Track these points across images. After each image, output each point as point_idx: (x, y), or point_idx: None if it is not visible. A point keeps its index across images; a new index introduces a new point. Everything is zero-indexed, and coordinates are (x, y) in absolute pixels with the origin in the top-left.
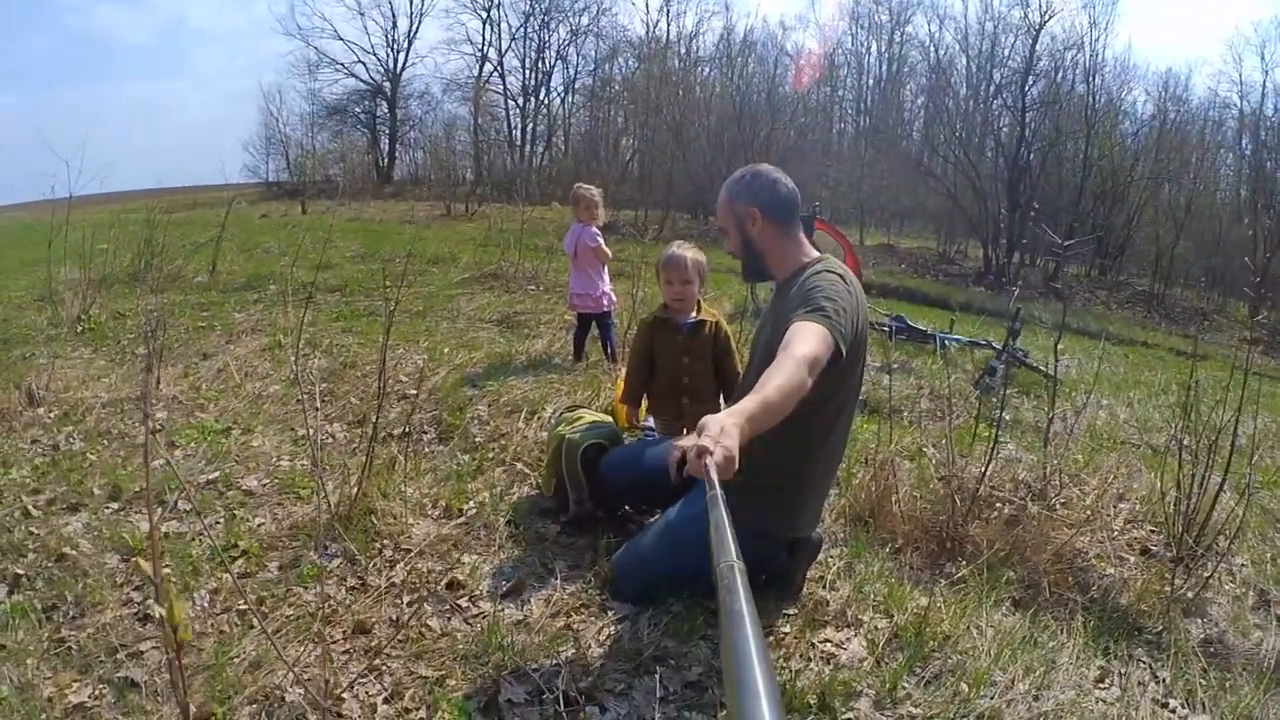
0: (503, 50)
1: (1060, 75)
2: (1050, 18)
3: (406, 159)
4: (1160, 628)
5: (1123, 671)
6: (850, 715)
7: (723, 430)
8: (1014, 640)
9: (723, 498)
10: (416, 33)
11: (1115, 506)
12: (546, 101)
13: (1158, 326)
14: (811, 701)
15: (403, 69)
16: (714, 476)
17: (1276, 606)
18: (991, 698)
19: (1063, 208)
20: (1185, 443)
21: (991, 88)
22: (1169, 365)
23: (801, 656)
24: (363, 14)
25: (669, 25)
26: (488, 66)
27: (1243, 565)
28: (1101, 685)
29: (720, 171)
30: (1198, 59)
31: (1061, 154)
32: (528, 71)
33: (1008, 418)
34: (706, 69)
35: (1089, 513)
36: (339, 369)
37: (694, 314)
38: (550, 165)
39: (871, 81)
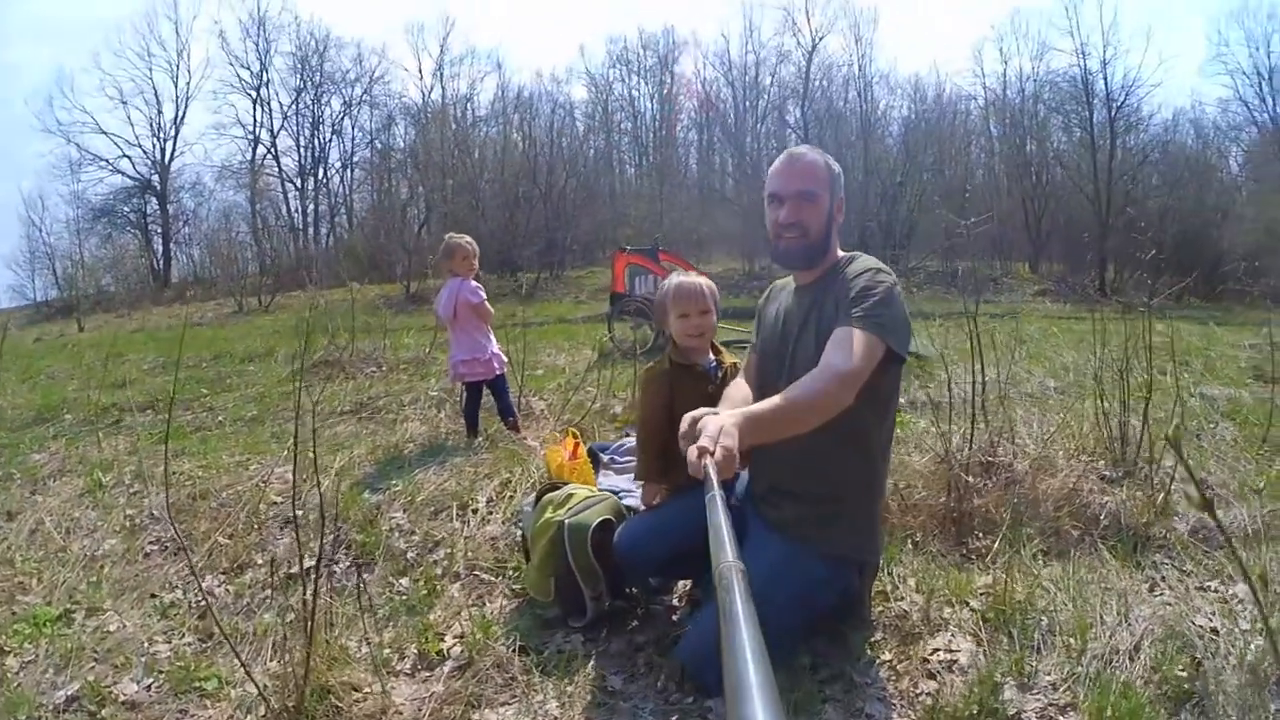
0: (275, 130)
1: (833, 92)
2: (821, 38)
3: (183, 258)
4: (1162, 531)
5: (1161, 576)
6: (1012, 710)
7: (722, 430)
8: (1072, 584)
9: (721, 498)
10: (183, 118)
11: (1066, 448)
12: (325, 180)
13: (958, 299)
14: (974, 712)
15: (171, 159)
16: (713, 477)
17: (1218, 488)
18: (1098, 638)
19: (855, 210)
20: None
21: (758, 113)
22: (998, 328)
23: (927, 676)
24: (125, 102)
25: (443, 89)
26: (261, 149)
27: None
28: (1155, 592)
29: (520, 226)
30: (946, 63)
31: (845, 164)
32: (303, 150)
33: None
34: (484, 128)
35: (1048, 460)
36: (187, 503)
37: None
38: (339, 245)
39: (648, 121)
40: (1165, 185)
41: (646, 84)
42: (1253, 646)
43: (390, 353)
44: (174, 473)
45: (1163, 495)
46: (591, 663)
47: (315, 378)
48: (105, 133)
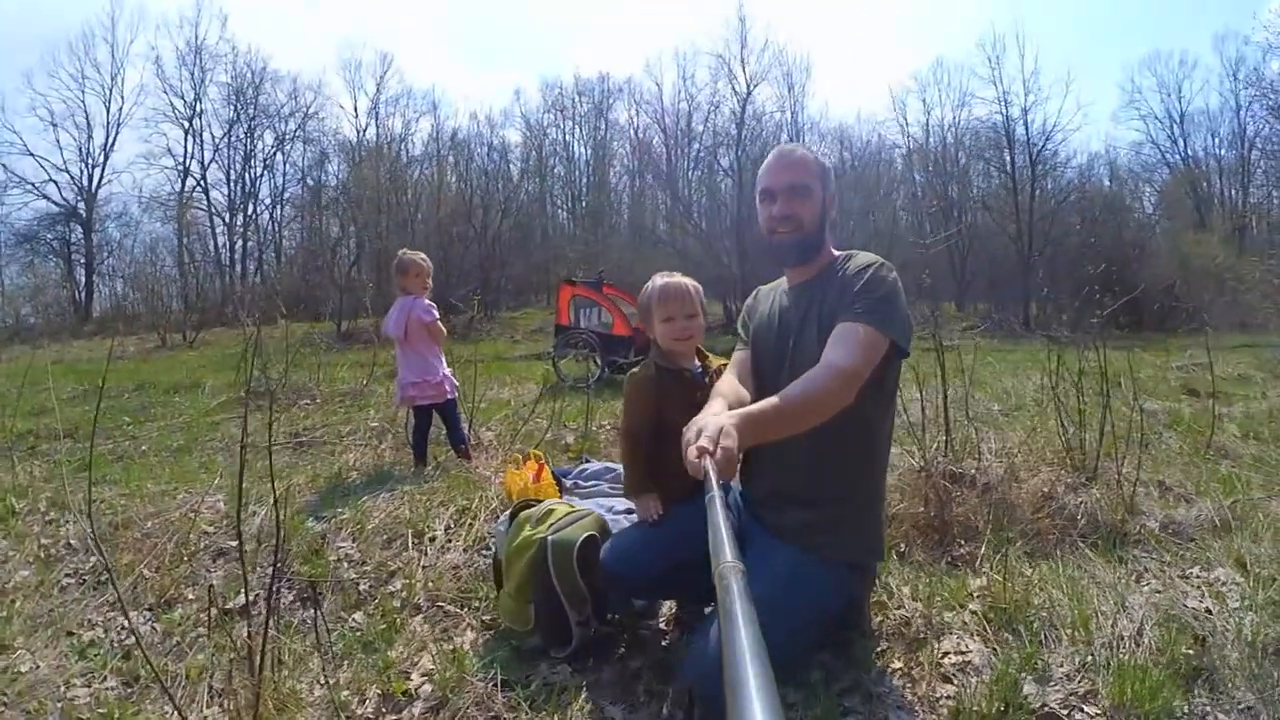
0: (206, 163)
1: (766, 138)
2: (755, 86)
3: (106, 290)
4: (1135, 528)
5: (1144, 568)
6: (1036, 704)
7: (723, 431)
8: (1064, 580)
9: (721, 498)
10: (114, 145)
11: (1028, 459)
12: (255, 216)
13: None
14: (999, 709)
15: (99, 187)
16: (713, 477)
17: (1177, 487)
18: (1101, 628)
19: None
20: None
21: (690, 158)
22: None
23: (943, 679)
24: (56, 125)
25: (378, 128)
26: (190, 181)
27: (1126, 470)
28: (1143, 582)
29: (455, 266)
30: (872, 113)
31: None
32: (233, 184)
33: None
34: (419, 168)
35: (1016, 468)
36: (108, 532)
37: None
38: (267, 282)
39: (581, 166)
40: (1084, 224)
41: (581, 129)
42: (1246, 621)
43: (325, 385)
44: (95, 500)
45: (1130, 495)
46: (585, 694)
47: (247, 409)
48: (33, 154)
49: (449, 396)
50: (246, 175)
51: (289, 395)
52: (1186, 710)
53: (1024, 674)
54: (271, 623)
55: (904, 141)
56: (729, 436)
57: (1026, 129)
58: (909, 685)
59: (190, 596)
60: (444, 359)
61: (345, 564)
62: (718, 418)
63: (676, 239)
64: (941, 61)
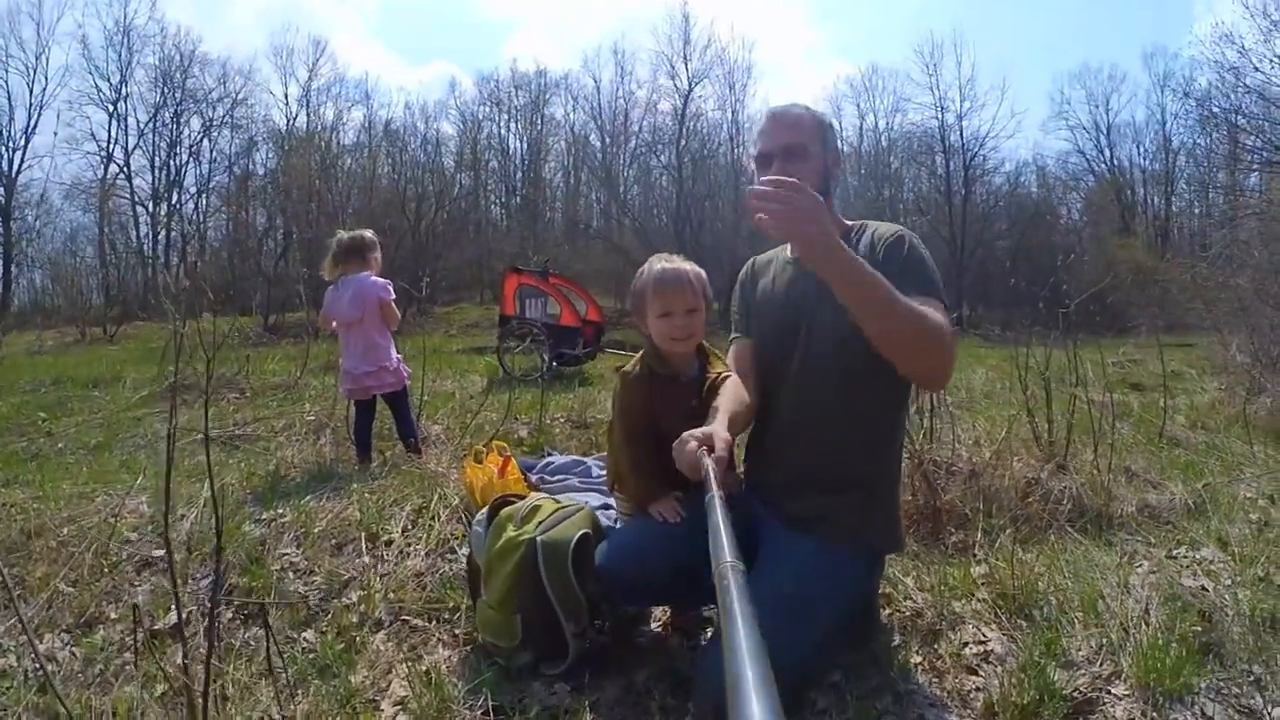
0: (130, 149)
1: (705, 134)
2: (696, 83)
3: (23, 282)
4: (1117, 512)
5: (1133, 549)
6: (1067, 690)
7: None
8: (1062, 564)
9: (721, 498)
10: (35, 127)
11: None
12: (179, 205)
13: None
14: (1035, 698)
15: (18, 172)
16: (713, 477)
17: (1143, 473)
18: (1109, 610)
19: (727, 249)
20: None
21: (628, 154)
22: None
23: (968, 671)
24: None
25: (309, 116)
26: (114, 167)
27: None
28: (1135, 563)
29: (387, 259)
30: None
31: (719, 205)
32: (158, 171)
33: None
34: (350, 158)
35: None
36: (19, 541)
37: (696, 362)
38: (191, 273)
39: (517, 161)
40: (1013, 229)
41: (516, 124)
42: (1242, 597)
43: (254, 378)
44: (4, 504)
45: (1106, 482)
46: (590, 716)
47: (175, 396)
48: None
49: (403, 383)
50: (172, 162)
51: (214, 389)
52: (1203, 686)
53: (1048, 659)
54: (205, 646)
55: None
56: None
57: (961, 135)
58: (935, 680)
59: (113, 615)
60: (393, 344)
61: (290, 574)
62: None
63: (613, 233)
64: (876, 68)
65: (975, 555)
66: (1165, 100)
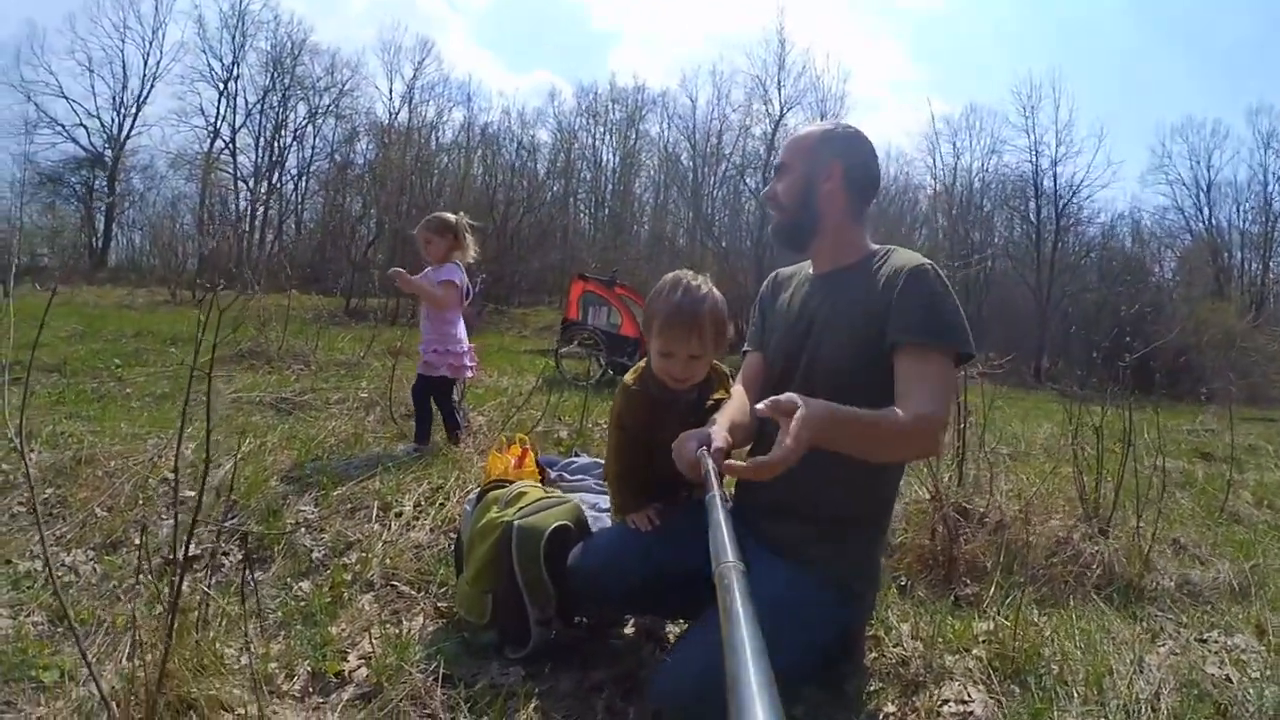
0: (236, 127)
1: None
2: (788, 109)
3: (124, 240)
4: (1151, 584)
5: (1160, 627)
6: None
7: (798, 415)
8: (1077, 633)
9: (721, 498)
10: (147, 97)
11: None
12: (279, 185)
13: None
14: None
15: (128, 137)
16: (714, 477)
17: (1193, 547)
18: (1115, 689)
19: None
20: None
21: (718, 177)
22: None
23: None
24: (92, 70)
25: (410, 113)
26: (219, 143)
27: (1142, 526)
28: (1159, 642)
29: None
30: (897, 150)
31: None
32: (261, 151)
33: None
34: (446, 157)
35: (1029, 510)
36: (70, 466)
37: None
38: (283, 252)
39: (608, 174)
40: (1103, 282)
41: (611, 136)
42: (1267, 694)
43: (322, 353)
44: (63, 434)
45: (1147, 550)
46: (535, 704)
47: (235, 367)
48: (66, 98)
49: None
50: (276, 144)
51: (283, 359)
52: None
53: None
54: (210, 580)
55: (931, 183)
56: (802, 423)
57: (1054, 181)
58: None
59: (136, 541)
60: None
61: (303, 529)
62: (789, 394)
63: (695, 253)
64: (974, 107)
65: (984, 611)
66: (1268, 160)
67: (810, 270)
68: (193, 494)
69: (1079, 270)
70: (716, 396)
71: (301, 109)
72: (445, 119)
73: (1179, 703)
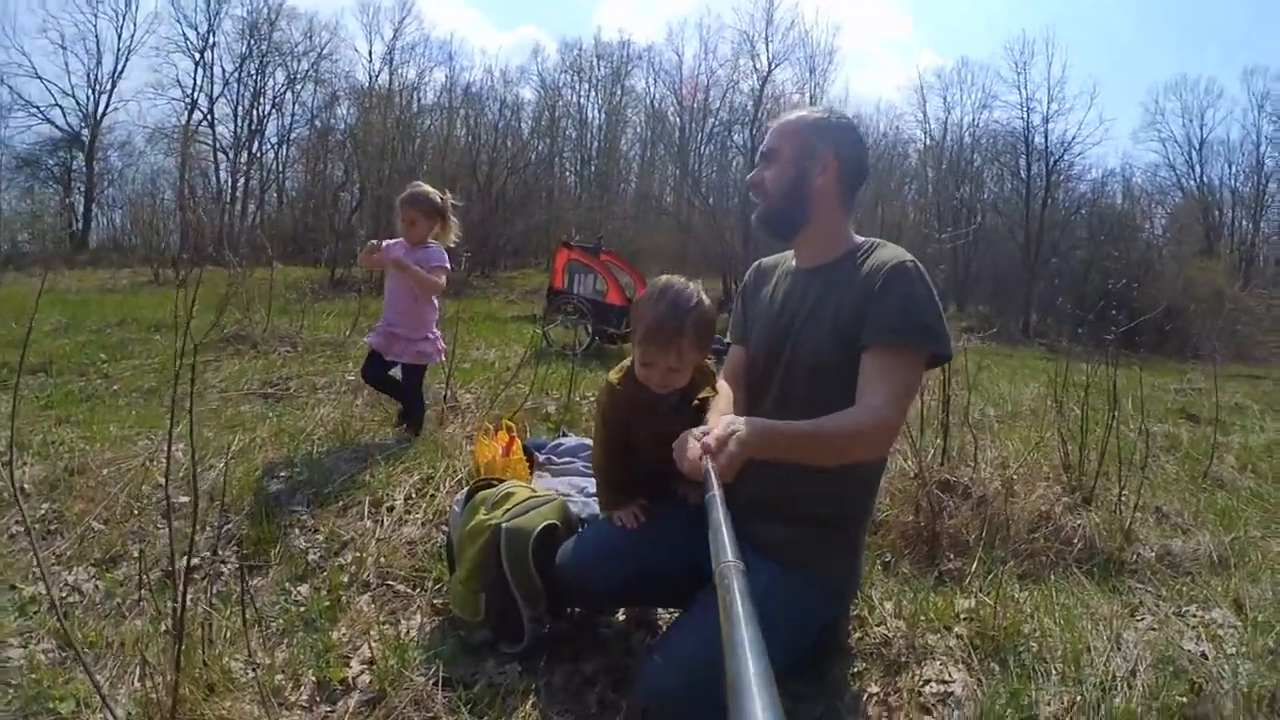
0: (214, 97)
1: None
2: (776, 65)
3: (104, 220)
4: (1131, 557)
5: (1139, 601)
6: None
7: (734, 436)
8: (1057, 609)
9: (721, 497)
10: (122, 72)
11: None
12: (260, 154)
13: None
14: None
15: (104, 114)
16: (714, 477)
17: (1175, 516)
18: (1093, 665)
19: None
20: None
21: (705, 133)
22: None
23: (921, 710)
24: (65, 48)
25: (391, 75)
26: (197, 114)
27: (1125, 494)
28: (1138, 616)
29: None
30: (888, 104)
31: None
32: (240, 121)
33: None
34: (428, 119)
35: (1012, 482)
36: (62, 477)
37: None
38: (266, 222)
39: (594, 131)
40: (1092, 239)
41: (596, 93)
42: (1243, 669)
43: (308, 333)
44: (53, 442)
45: (1129, 521)
46: (532, 700)
47: (222, 353)
48: (40, 78)
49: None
50: (255, 113)
51: (269, 342)
52: None
53: (1009, 711)
54: (209, 591)
55: (921, 137)
56: (738, 444)
57: (1046, 137)
58: (885, 714)
59: (135, 554)
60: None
61: (297, 530)
62: (730, 418)
63: (682, 212)
64: (966, 61)
65: (967, 587)
66: (1261, 122)
67: (793, 263)
68: (186, 499)
69: (1069, 226)
70: (702, 395)
71: (280, 75)
72: (426, 80)
73: (1154, 680)
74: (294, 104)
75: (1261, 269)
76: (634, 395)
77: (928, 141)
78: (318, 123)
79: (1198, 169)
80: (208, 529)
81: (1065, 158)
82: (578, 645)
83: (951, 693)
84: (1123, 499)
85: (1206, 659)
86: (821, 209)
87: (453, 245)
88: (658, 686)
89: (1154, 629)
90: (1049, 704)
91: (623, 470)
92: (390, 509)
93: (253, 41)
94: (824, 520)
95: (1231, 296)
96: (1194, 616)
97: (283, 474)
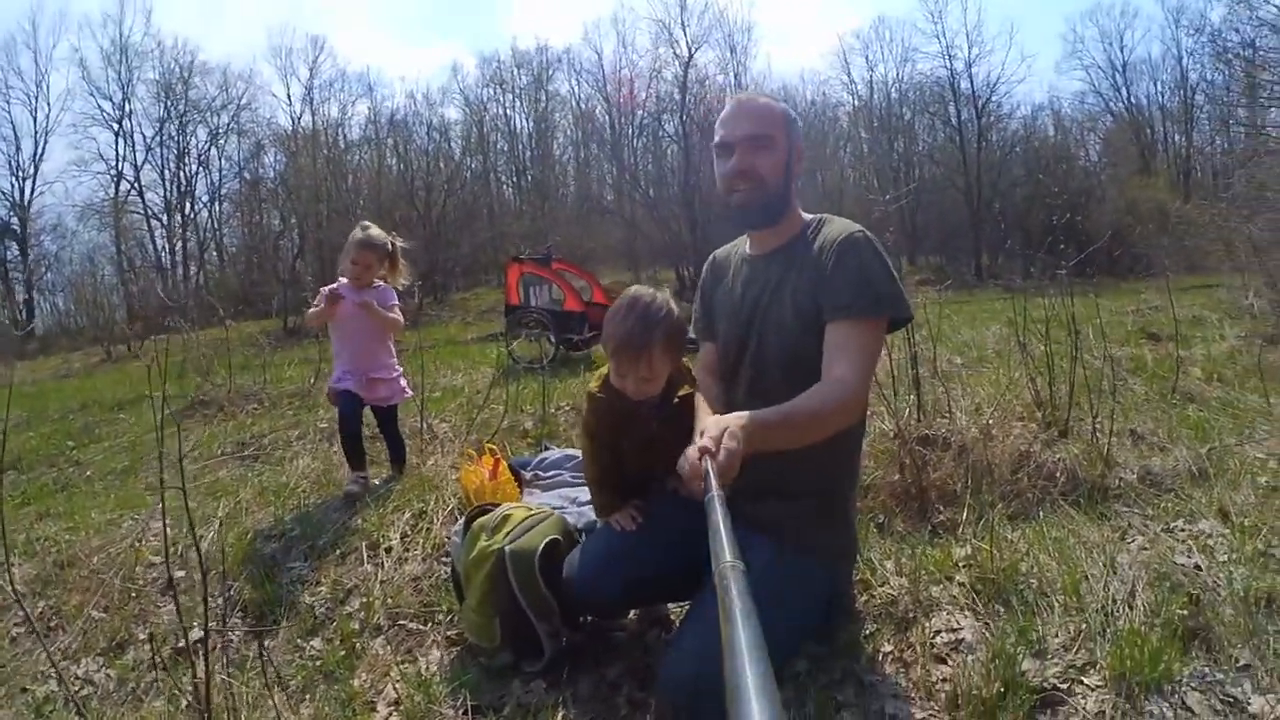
0: (139, 164)
1: (710, 103)
2: (697, 49)
3: (47, 306)
4: (1114, 482)
5: (1128, 524)
6: (1035, 680)
7: (727, 432)
8: (1050, 543)
9: (720, 499)
10: (43, 155)
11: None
12: (193, 214)
13: None
14: (999, 691)
15: (31, 200)
16: (713, 478)
17: (1150, 436)
18: (1093, 592)
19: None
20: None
21: (635, 127)
22: None
23: (936, 660)
24: None
25: (314, 114)
26: (124, 184)
27: (1100, 422)
28: (1128, 539)
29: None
30: (812, 71)
31: None
32: (168, 184)
33: None
34: (358, 153)
35: (989, 427)
36: (53, 573)
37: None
38: (209, 283)
39: (525, 140)
40: (1030, 175)
41: (521, 102)
42: (1237, 575)
43: (272, 387)
44: (38, 538)
45: (1106, 448)
46: (562, 713)
47: (190, 421)
48: None
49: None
50: (181, 174)
51: (235, 402)
52: (1186, 674)
53: (1020, 648)
54: (222, 660)
55: (849, 99)
56: (734, 438)
57: (971, 82)
58: (902, 670)
59: (141, 638)
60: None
61: (299, 586)
62: (724, 418)
63: (624, 208)
64: (883, 18)
65: (961, 535)
66: (1180, 36)
67: (747, 250)
68: (182, 574)
69: (1005, 165)
70: (682, 393)
71: (202, 132)
72: (350, 114)
73: (1153, 598)
74: (220, 159)
75: (1200, 180)
76: (614, 402)
77: (856, 103)
78: (246, 174)
79: (1124, 91)
80: (209, 599)
81: (993, 99)
82: (597, 653)
83: (963, 639)
84: (1097, 427)
85: (1200, 570)
86: (791, 193)
87: (402, 287)
88: (677, 679)
89: (1145, 548)
90: (1056, 635)
91: (613, 476)
92: (388, 550)
93: (169, 103)
94: (815, 492)
95: (1175, 210)
96: (1182, 530)
97: (274, 533)
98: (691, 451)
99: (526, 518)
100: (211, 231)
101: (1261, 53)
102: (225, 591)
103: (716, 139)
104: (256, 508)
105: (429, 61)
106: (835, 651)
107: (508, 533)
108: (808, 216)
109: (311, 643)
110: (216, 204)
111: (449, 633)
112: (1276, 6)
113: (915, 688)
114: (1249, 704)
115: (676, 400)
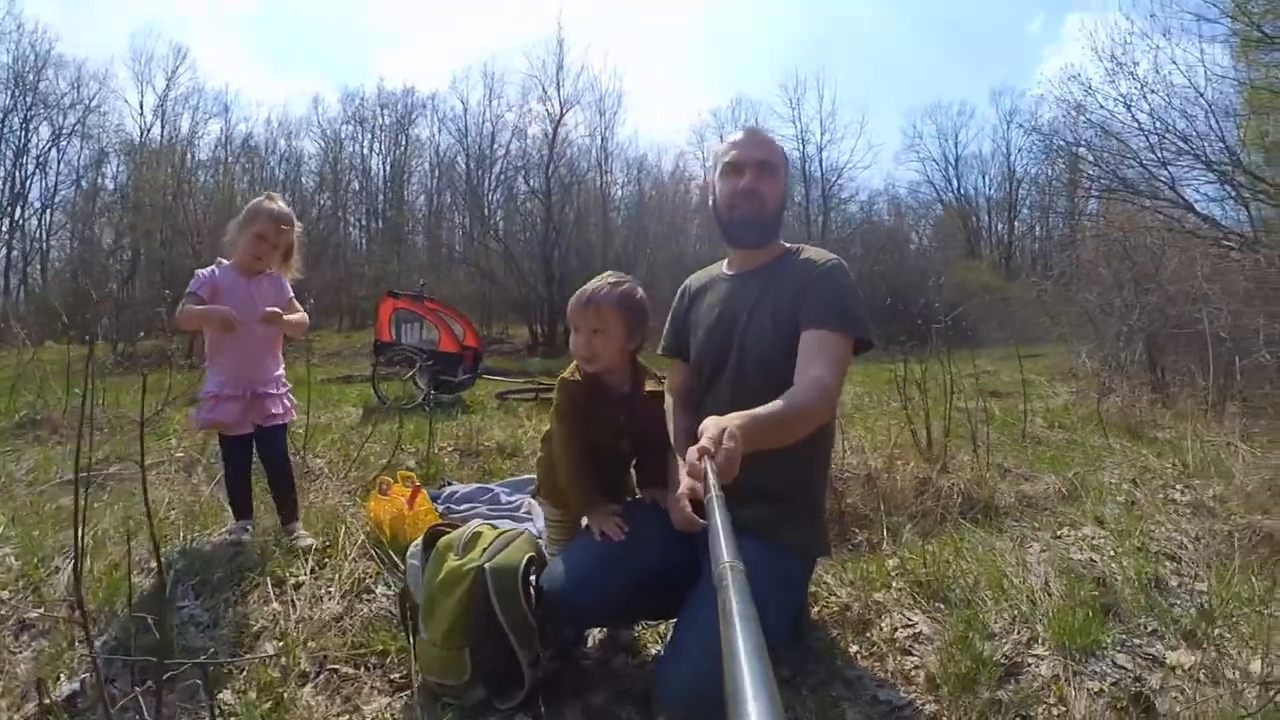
0: None
1: (573, 162)
2: (568, 109)
3: None
4: (1000, 503)
5: (1021, 534)
6: (996, 655)
7: (726, 432)
8: (965, 551)
9: (720, 499)
10: None
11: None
12: (23, 221)
13: None
14: (970, 667)
15: None
16: (713, 478)
17: (1015, 469)
18: (1015, 586)
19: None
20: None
21: (493, 178)
22: None
23: (903, 652)
24: None
25: (164, 128)
26: None
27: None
28: (1026, 545)
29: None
30: (672, 143)
31: (586, 231)
32: (2, 183)
33: None
34: (205, 174)
35: (893, 458)
36: None
37: (628, 380)
38: (31, 298)
39: (379, 184)
40: (869, 254)
41: (380, 144)
42: (1127, 563)
43: (110, 410)
44: None
45: (987, 477)
46: None
47: (18, 441)
48: None
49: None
50: (17, 174)
51: (71, 424)
52: (1109, 640)
53: (972, 633)
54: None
55: (701, 174)
56: (733, 438)
57: (821, 166)
58: (876, 664)
59: None
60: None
61: (191, 628)
62: (720, 419)
63: (479, 259)
64: (740, 100)
65: (884, 550)
66: (1010, 135)
67: (726, 270)
68: (37, 613)
69: (846, 245)
70: (650, 388)
71: (45, 130)
72: (201, 132)
73: (1066, 584)
74: (59, 162)
75: (1019, 263)
76: (587, 385)
77: (707, 178)
78: (85, 183)
79: (955, 182)
80: (77, 644)
81: (839, 182)
82: (570, 682)
83: (920, 632)
84: (976, 460)
85: (1095, 563)
86: (781, 223)
87: (297, 278)
88: (679, 692)
89: (1045, 550)
90: (996, 621)
91: (589, 464)
92: (298, 586)
93: (17, 93)
94: (797, 493)
95: (997, 289)
96: (1069, 536)
97: (149, 566)
98: (691, 452)
99: (499, 534)
100: (40, 241)
101: (1088, 149)
102: (103, 631)
103: (727, 159)
104: (120, 540)
105: (292, 90)
106: (808, 656)
107: (484, 549)
108: (787, 245)
109: (221, 694)
110: (49, 212)
111: (393, 675)
112: (1107, 110)
113: (894, 676)
114: (1165, 658)
115: (646, 392)
